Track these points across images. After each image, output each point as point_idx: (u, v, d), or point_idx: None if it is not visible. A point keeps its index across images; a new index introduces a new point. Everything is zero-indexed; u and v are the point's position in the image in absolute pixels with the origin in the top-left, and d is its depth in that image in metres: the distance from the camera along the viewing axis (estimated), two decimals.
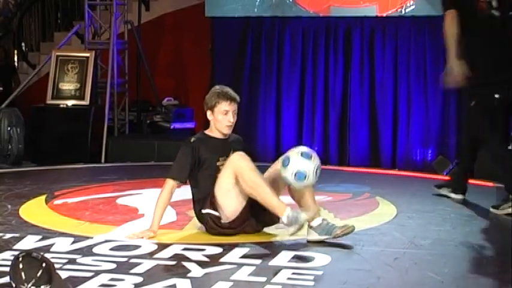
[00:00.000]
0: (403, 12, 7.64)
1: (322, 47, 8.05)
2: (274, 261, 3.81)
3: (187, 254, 3.93)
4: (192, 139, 4.37)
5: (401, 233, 4.47)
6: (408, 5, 7.61)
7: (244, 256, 3.91)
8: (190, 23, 8.88)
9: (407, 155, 7.80)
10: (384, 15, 7.72)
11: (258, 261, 3.80)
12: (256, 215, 4.29)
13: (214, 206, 4.26)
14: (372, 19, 7.83)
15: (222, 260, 3.84)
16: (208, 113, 4.41)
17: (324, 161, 7.92)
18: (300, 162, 4.13)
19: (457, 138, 7.70)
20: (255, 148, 7.82)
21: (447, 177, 6.20)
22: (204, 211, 4.31)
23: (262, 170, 4.34)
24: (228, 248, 4.02)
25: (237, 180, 4.15)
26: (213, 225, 4.30)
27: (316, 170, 4.14)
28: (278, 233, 4.39)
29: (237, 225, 4.28)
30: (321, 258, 3.88)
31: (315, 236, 4.17)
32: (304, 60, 8.12)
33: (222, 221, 4.28)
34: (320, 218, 4.21)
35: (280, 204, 4.09)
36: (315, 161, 4.17)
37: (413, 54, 7.77)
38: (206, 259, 3.85)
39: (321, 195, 5.65)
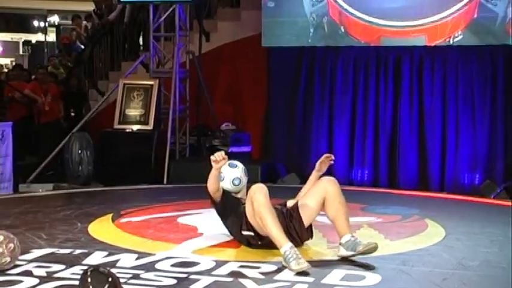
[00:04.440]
0: (451, 42, 7.56)
1: (373, 74, 8.02)
2: (327, 280, 3.78)
3: (244, 271, 3.93)
4: None
5: (450, 254, 4.39)
6: (456, 35, 7.53)
7: (298, 274, 3.89)
8: (247, 52, 8.95)
9: (455, 179, 7.68)
10: (433, 44, 7.66)
11: (311, 279, 3.78)
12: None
13: (250, 226, 4.37)
14: (421, 48, 7.78)
15: (276, 277, 3.83)
16: None
17: (374, 183, 7.92)
18: (230, 171, 4.57)
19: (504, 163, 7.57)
20: (308, 171, 7.79)
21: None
22: (244, 232, 4.41)
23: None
24: (282, 266, 4.01)
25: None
26: (253, 243, 4.40)
27: (244, 171, 4.60)
28: (329, 252, 4.36)
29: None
30: (371, 277, 3.83)
31: (343, 252, 4.21)
32: (355, 87, 8.10)
33: (258, 236, 4.36)
34: (349, 235, 4.22)
35: (281, 238, 4.07)
36: (240, 166, 4.64)
37: (461, 82, 7.68)
38: (262, 276, 3.84)
39: (371, 216, 5.60)
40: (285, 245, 4.00)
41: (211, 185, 4.44)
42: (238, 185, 4.57)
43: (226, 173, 4.56)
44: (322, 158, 4.70)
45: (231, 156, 8.70)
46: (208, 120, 8.97)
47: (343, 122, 8.13)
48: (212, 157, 4.30)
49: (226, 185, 4.55)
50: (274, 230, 4.09)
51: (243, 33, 9.04)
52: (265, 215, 4.12)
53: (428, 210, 5.88)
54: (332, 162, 4.71)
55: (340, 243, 4.21)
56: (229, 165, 4.57)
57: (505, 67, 7.57)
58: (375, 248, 4.13)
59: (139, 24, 10.22)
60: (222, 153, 4.30)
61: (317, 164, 4.71)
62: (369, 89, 8.04)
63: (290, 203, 4.51)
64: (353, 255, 4.15)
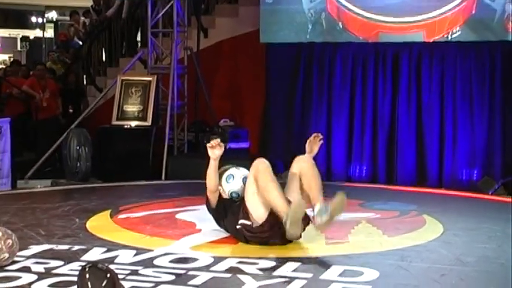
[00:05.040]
0: (450, 38, 7.57)
1: (371, 70, 8.03)
2: (325, 276, 3.79)
3: (242, 267, 3.93)
4: None
5: (448, 250, 4.40)
6: (454, 31, 7.54)
7: (296, 270, 3.89)
8: (245, 48, 8.95)
9: (453, 175, 7.69)
10: (431, 40, 7.65)
11: (309, 275, 3.78)
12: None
13: (245, 214, 4.31)
14: (419, 44, 7.78)
15: (274, 273, 3.83)
16: None
17: (372, 179, 7.93)
18: (238, 184, 4.48)
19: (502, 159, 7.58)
20: None
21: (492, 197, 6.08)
22: (238, 226, 4.36)
23: None
24: (280, 262, 4.02)
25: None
26: (247, 234, 4.35)
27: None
28: (329, 248, 4.37)
29: (268, 229, 4.28)
30: (369, 273, 3.84)
31: (318, 221, 4.21)
32: (353, 83, 8.10)
33: (254, 226, 4.30)
34: (319, 204, 4.21)
35: (285, 207, 4.13)
36: None
37: (459, 78, 7.69)
38: (260, 272, 3.84)
39: (370, 212, 5.61)
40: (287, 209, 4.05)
41: (210, 180, 4.38)
42: (234, 197, 4.52)
43: (235, 182, 4.49)
44: (311, 137, 4.61)
45: (229, 152, 8.76)
46: (207, 116, 8.97)
47: (341, 118, 8.13)
48: (208, 144, 4.29)
49: (226, 189, 4.50)
50: (279, 202, 4.12)
51: (241, 29, 9.04)
52: (271, 188, 4.13)
53: (426, 206, 5.88)
54: (321, 141, 4.62)
55: (314, 216, 4.22)
56: (243, 180, 4.48)
57: (503, 63, 7.58)
58: (342, 199, 4.13)
59: (137, 20, 10.22)
60: (218, 140, 4.30)
61: (307, 146, 4.60)
62: (367, 85, 8.04)
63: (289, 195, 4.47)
64: (330, 219, 4.16)
